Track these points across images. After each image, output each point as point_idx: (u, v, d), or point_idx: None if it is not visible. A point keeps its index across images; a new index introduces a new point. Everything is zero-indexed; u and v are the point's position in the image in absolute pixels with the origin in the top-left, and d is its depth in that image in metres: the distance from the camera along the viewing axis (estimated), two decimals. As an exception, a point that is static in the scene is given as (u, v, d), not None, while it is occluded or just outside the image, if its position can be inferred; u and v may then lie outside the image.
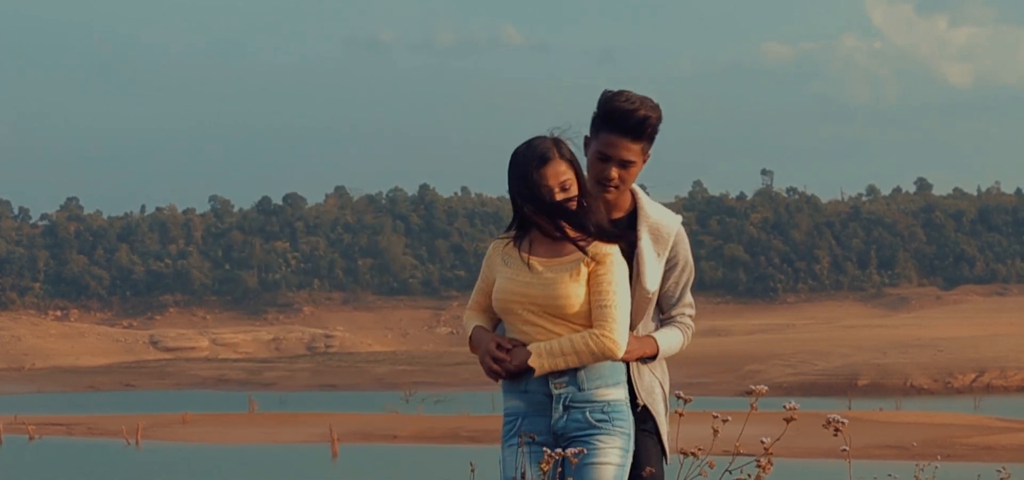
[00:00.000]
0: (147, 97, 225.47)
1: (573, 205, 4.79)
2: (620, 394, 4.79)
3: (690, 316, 5.19)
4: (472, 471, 5.07)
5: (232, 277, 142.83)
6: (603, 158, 5.00)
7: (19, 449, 44.22)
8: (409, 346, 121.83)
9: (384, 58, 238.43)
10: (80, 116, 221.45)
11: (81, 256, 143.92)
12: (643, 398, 5.03)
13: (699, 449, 4.80)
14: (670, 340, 5.10)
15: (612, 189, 5.02)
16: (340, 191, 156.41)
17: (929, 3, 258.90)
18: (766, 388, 4.78)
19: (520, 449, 4.75)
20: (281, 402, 67.27)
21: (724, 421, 4.80)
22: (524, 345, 4.77)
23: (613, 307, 4.73)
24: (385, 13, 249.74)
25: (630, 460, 4.78)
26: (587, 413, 4.73)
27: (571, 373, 4.74)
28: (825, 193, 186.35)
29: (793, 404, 4.60)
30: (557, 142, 4.83)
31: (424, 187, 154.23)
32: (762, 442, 4.60)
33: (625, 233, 4.96)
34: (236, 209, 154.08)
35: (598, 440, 4.72)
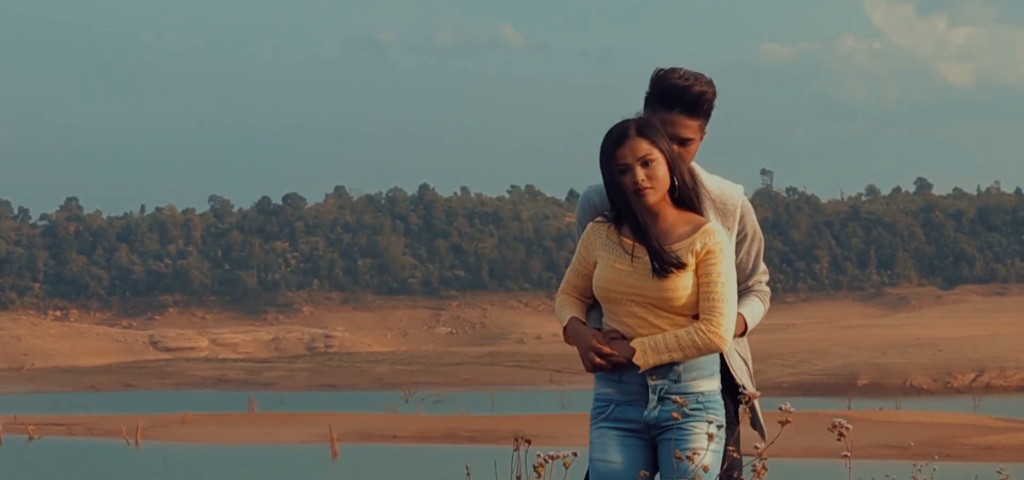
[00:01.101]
0: (147, 97, 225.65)
1: (645, 190, 4.66)
2: (714, 384, 4.72)
3: (767, 282, 5.13)
4: (468, 475, 5.07)
5: (232, 277, 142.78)
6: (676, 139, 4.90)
7: (19, 449, 44.21)
8: (409, 346, 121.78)
9: (384, 58, 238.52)
10: (80, 116, 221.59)
11: (81, 256, 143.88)
12: (739, 377, 4.98)
13: (693, 453, 4.79)
14: (755, 312, 5.03)
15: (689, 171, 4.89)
16: (340, 191, 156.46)
17: (929, 3, 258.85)
18: (759, 394, 4.77)
19: (610, 433, 4.71)
20: (281, 402, 67.25)
21: (718, 427, 4.79)
22: (625, 337, 4.67)
23: (722, 300, 4.63)
24: (385, 13, 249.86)
25: (722, 446, 4.69)
26: (678, 399, 4.66)
27: (669, 365, 4.67)
28: (825, 193, 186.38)
29: (788, 406, 4.58)
30: (639, 121, 4.72)
31: (424, 187, 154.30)
32: (755, 447, 4.59)
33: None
34: (236, 209, 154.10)
35: (691, 426, 4.66)
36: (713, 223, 4.73)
